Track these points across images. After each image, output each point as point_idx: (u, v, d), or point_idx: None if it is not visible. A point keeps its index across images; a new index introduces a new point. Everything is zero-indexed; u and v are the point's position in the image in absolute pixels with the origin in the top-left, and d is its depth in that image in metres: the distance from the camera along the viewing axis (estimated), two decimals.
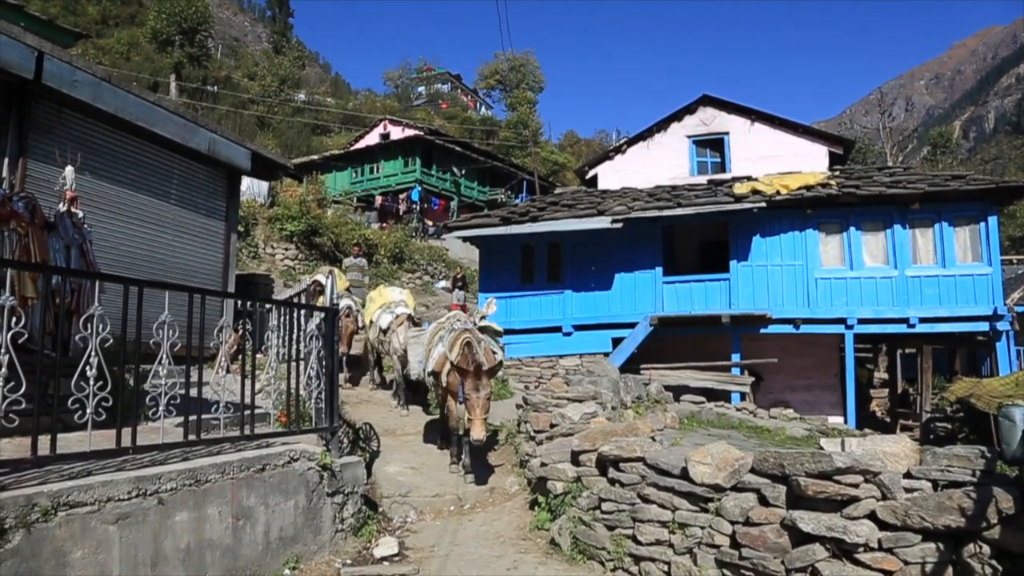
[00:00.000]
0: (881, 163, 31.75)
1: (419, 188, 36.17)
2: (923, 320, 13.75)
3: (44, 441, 3.95)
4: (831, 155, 17.59)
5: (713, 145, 18.52)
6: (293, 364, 6.07)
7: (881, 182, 14.47)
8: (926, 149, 61.62)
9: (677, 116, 18.71)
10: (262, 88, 55.46)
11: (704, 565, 4.90)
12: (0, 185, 6.88)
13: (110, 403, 4.28)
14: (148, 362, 4.71)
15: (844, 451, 5.10)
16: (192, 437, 4.90)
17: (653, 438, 6.39)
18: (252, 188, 22.83)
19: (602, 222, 14.65)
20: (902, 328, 14.03)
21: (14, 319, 3.83)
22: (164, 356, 4.64)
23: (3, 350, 3.76)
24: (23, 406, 3.86)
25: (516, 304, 15.90)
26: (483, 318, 9.05)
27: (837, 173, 15.88)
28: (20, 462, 3.92)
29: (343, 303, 12.33)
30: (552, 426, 7.72)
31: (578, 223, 14.94)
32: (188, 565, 4.48)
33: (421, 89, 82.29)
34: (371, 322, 12.10)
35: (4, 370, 3.75)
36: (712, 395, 13.41)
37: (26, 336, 3.99)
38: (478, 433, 7.23)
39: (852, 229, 14.41)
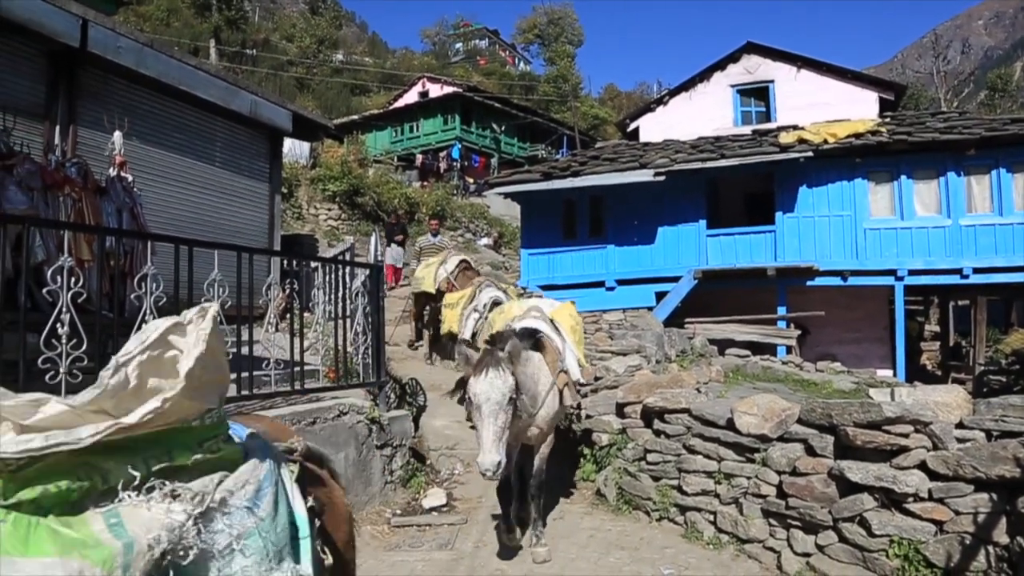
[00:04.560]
0: (935, 109, 30.54)
1: (459, 145, 36.07)
2: (977, 271, 13.32)
3: None
4: (881, 101, 16.98)
5: (757, 94, 18.01)
6: (340, 321, 6.20)
7: (934, 128, 13.95)
8: (983, 93, 58.89)
9: (720, 65, 18.20)
10: (300, 50, 55.48)
11: (750, 515, 4.92)
12: (53, 152, 7.06)
13: None
14: None
15: (894, 401, 5.04)
16: (245, 392, 5.05)
17: (698, 390, 6.39)
18: (294, 150, 23.04)
19: (644, 175, 14.45)
20: (955, 279, 13.61)
21: (73, 279, 3.97)
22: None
23: (65, 309, 3.90)
24: (85, 363, 4.01)
25: (559, 259, 15.88)
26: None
27: (888, 120, 15.35)
28: None
29: (487, 294, 9.72)
30: (596, 379, 7.76)
31: (620, 177, 14.76)
32: None
33: (459, 46, 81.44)
34: None
35: (67, 328, 3.90)
36: (757, 349, 13.26)
37: (84, 296, 4.14)
38: None
39: (903, 178, 13.94)
